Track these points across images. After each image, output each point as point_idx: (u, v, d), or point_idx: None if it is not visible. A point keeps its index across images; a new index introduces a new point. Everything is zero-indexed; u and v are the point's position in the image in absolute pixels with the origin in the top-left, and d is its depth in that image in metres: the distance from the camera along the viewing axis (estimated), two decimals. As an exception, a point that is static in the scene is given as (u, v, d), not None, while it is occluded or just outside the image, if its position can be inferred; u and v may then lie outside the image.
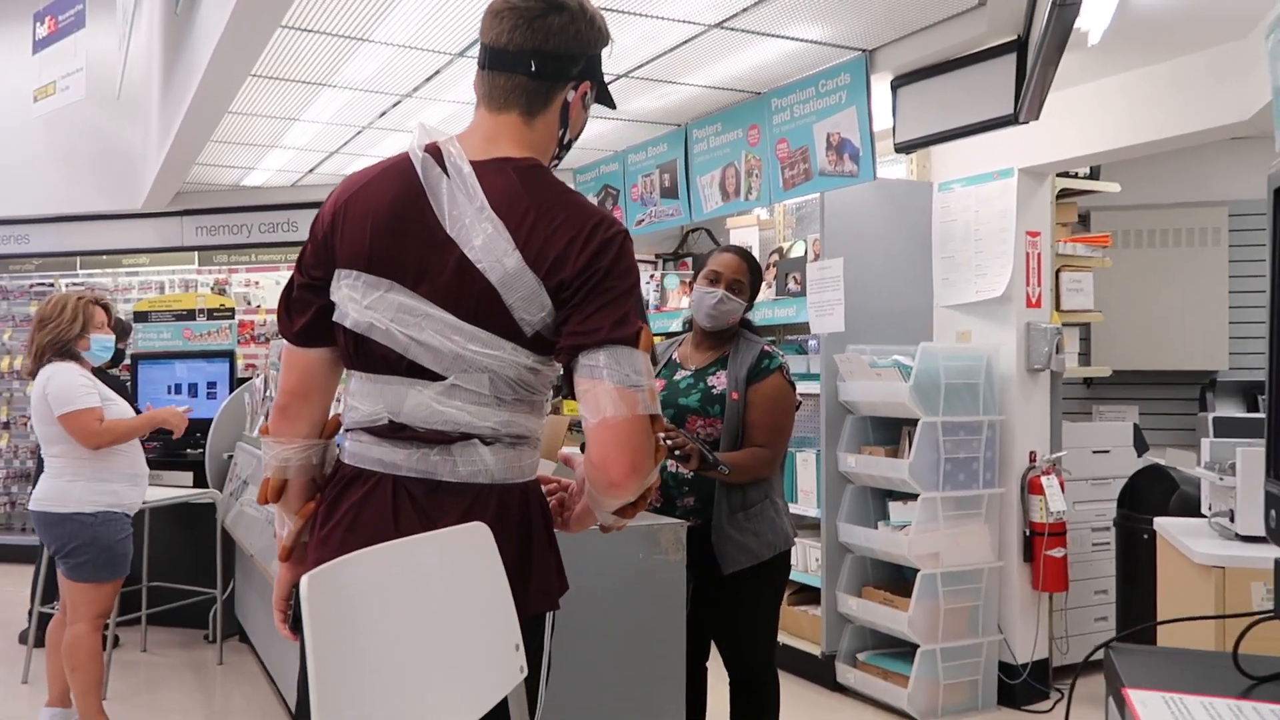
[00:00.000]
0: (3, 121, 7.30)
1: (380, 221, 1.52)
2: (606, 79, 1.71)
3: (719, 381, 2.81)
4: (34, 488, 3.73)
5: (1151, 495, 3.90)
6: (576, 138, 1.68)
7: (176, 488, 5.08)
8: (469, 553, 1.47)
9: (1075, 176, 4.46)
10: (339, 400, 1.67)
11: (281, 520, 1.67)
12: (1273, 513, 1.25)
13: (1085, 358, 5.21)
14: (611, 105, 1.76)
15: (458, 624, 1.41)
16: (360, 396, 1.57)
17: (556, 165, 1.67)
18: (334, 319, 1.56)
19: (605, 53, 1.66)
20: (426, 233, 1.51)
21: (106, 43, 6.24)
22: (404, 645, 1.31)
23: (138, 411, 3.98)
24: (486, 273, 1.48)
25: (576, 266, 1.48)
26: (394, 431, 1.54)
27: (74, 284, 7.63)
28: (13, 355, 7.63)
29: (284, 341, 1.65)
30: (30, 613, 4.76)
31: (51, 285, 7.66)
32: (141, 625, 4.99)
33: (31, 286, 7.72)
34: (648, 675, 2.52)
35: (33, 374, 3.70)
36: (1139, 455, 4.54)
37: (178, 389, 5.61)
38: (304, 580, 1.14)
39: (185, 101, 4.50)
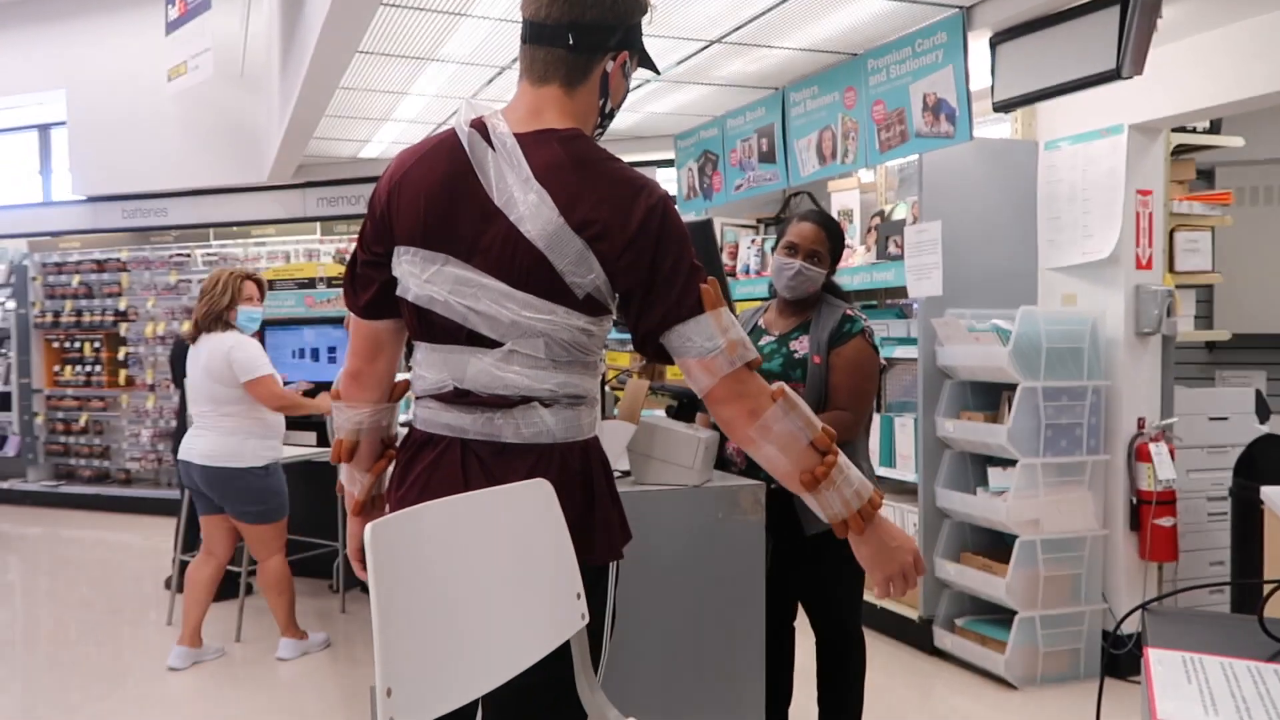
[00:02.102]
0: (142, 101, 7.76)
1: (432, 198, 1.61)
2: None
3: (801, 346, 2.84)
4: (179, 444, 4.22)
5: (1270, 464, 3.77)
6: (619, 107, 1.73)
7: (301, 446, 5.40)
8: (531, 506, 1.57)
9: (1194, 131, 4.27)
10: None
11: (352, 477, 1.82)
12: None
13: (1206, 320, 5.00)
14: (655, 70, 1.81)
15: (520, 572, 1.53)
16: (426, 365, 1.68)
17: (600, 134, 1.73)
18: (397, 293, 1.66)
19: (645, 20, 1.71)
20: (476, 205, 1.59)
21: (230, 23, 6.57)
22: (466, 591, 1.42)
23: None
24: (534, 240, 1.56)
25: (624, 238, 1.55)
26: (459, 397, 1.64)
27: (208, 254, 8.11)
28: (156, 322, 8.17)
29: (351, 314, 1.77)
30: (174, 560, 5.17)
31: (188, 256, 8.16)
32: (271, 575, 5.35)
33: (171, 257, 8.23)
34: (727, 635, 2.60)
35: (193, 339, 4.19)
36: (1261, 422, 4.36)
37: (301, 354, 5.94)
38: (368, 529, 1.26)
39: (300, 78, 4.73)
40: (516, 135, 1.60)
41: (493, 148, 1.60)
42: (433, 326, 1.64)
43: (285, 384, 5.33)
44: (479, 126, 1.62)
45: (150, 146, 7.83)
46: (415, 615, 1.31)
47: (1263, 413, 4.42)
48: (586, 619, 1.60)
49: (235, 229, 8.06)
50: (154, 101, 7.60)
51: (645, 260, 1.56)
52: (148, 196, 8.11)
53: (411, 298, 1.64)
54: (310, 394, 4.90)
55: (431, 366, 1.67)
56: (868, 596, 4.39)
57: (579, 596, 1.59)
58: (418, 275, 1.62)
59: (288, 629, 4.35)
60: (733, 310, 3.00)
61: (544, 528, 1.57)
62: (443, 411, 1.67)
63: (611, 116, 1.74)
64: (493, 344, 1.61)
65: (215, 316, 4.12)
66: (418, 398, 1.72)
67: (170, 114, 7.66)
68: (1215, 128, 4.37)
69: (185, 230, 8.19)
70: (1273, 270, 5.15)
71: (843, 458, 1.62)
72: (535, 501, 1.57)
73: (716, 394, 1.58)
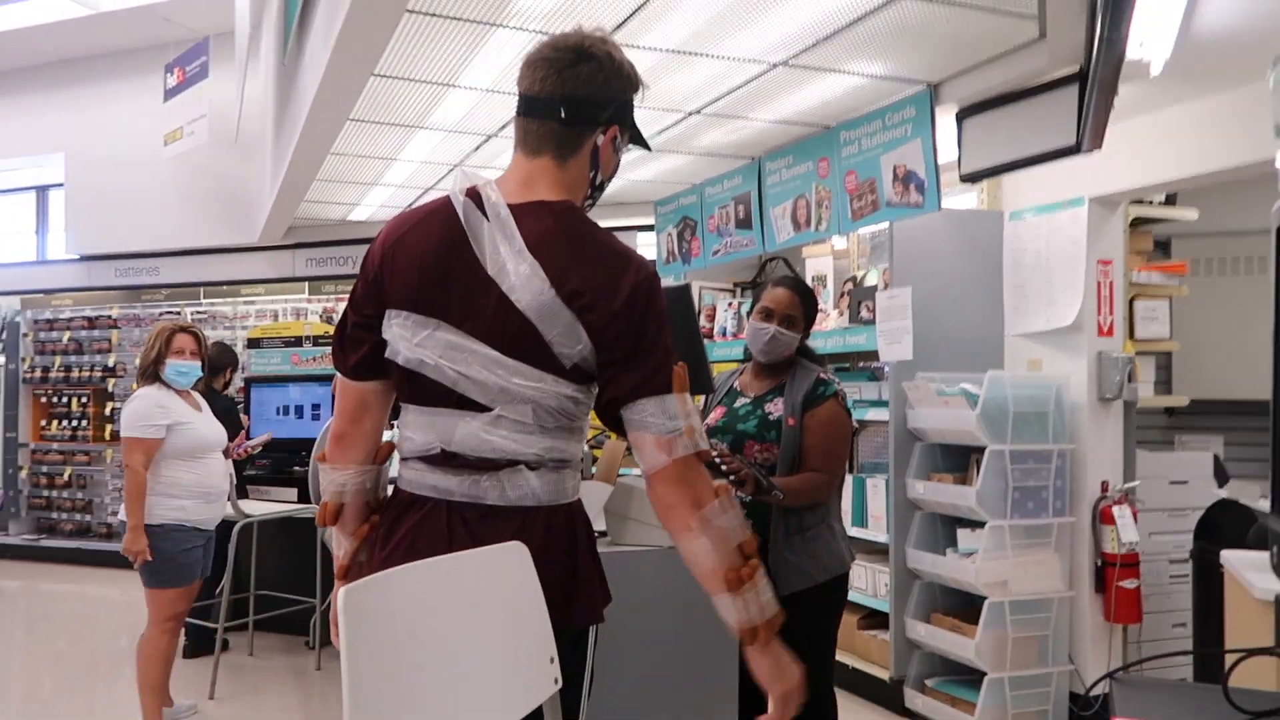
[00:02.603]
0: (138, 164, 7.78)
1: (426, 264, 1.60)
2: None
3: (776, 408, 2.84)
4: None
5: (1229, 528, 3.75)
6: (609, 179, 1.74)
7: (282, 503, 5.32)
8: (507, 570, 1.53)
9: (1151, 204, 4.34)
10: (391, 427, 1.77)
11: (338, 541, 1.76)
12: (1276, 548, 1.24)
13: (1165, 386, 5.03)
14: (647, 148, 1.82)
15: (493, 637, 1.48)
16: (414, 427, 1.65)
17: (591, 206, 1.74)
18: (386, 356, 1.64)
19: (637, 99, 1.72)
20: (469, 273, 1.58)
21: (225, 91, 6.61)
22: (439, 656, 1.38)
23: (234, 427, 4.19)
24: (525, 310, 1.55)
25: (611, 310, 1.54)
26: (446, 460, 1.62)
27: (198, 312, 8.06)
28: (144, 378, 8.08)
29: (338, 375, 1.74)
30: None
31: (178, 314, 8.10)
32: (249, 630, 5.23)
33: (161, 315, 8.16)
34: (702, 694, 2.55)
35: None
36: (1220, 486, 4.36)
37: (286, 410, 5.88)
38: (341, 593, 1.22)
39: (292, 144, 4.75)
40: (510, 206, 1.60)
41: (487, 217, 1.59)
42: (422, 389, 1.62)
43: (249, 437, 5.23)
44: (473, 195, 1.62)
45: (144, 208, 7.83)
46: (387, 680, 1.27)
47: (1221, 477, 4.43)
48: (559, 683, 1.56)
49: (225, 288, 8.02)
50: (149, 165, 7.62)
51: (629, 333, 1.55)
52: (140, 256, 8.08)
53: (402, 360, 1.62)
54: (268, 446, 4.63)
55: (419, 429, 1.65)
56: (838, 655, 4.33)
57: (552, 660, 1.54)
58: (409, 339, 1.61)
59: (145, 712, 3.81)
60: (710, 372, 3.02)
61: (519, 591, 1.53)
62: (429, 473, 1.64)
63: (602, 189, 1.74)
64: (481, 408, 1.59)
65: (143, 370, 3.90)
66: (404, 459, 1.69)
67: (165, 177, 7.67)
68: (1171, 200, 4.44)
69: (176, 289, 8.15)
70: (1227, 338, 5.20)
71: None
72: (511, 565, 1.53)
73: (666, 474, 1.55)
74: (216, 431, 3.99)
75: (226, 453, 4.13)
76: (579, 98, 1.63)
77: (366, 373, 1.69)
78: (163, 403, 3.81)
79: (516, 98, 1.69)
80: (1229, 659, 1.17)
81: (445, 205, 1.64)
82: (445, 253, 1.60)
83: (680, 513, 1.55)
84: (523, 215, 1.59)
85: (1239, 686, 1.19)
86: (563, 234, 1.59)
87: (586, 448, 3.36)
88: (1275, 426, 1.24)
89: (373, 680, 1.24)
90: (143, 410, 3.78)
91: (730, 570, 1.55)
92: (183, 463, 3.80)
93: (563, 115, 1.63)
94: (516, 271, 1.56)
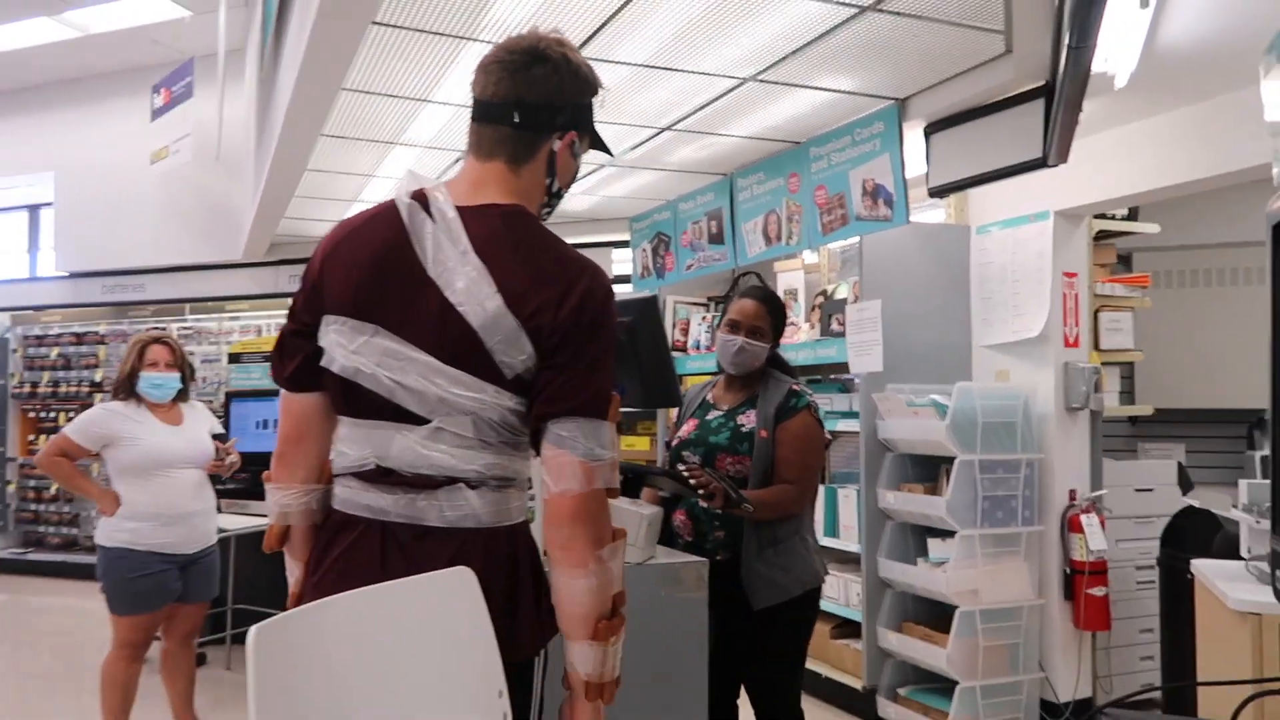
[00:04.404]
0: (125, 183, 7.58)
1: (365, 267, 1.45)
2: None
3: (748, 420, 2.69)
4: None
5: (1195, 535, 3.63)
6: (567, 187, 1.59)
7: (259, 516, 5.12)
8: (451, 598, 1.37)
9: (1114, 218, 4.23)
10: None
11: (290, 567, 1.60)
12: (1276, 572, 1.09)
13: (1129, 396, 4.92)
14: (608, 152, 1.67)
15: (437, 671, 1.32)
16: (348, 441, 1.49)
17: (548, 214, 1.59)
18: (321, 363, 1.49)
19: (596, 102, 1.57)
20: (410, 276, 1.43)
21: (209, 109, 6.44)
22: (374, 696, 1.21)
23: (221, 438, 3.88)
24: (468, 316, 1.40)
25: (559, 318, 1.39)
26: (382, 476, 1.46)
27: (183, 328, 7.85)
28: (131, 392, 7.85)
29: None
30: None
31: (164, 329, 7.88)
32: (226, 645, 5.02)
33: (148, 330, 7.93)
34: (670, 715, 2.38)
35: None
36: (1184, 494, 4.24)
37: (265, 424, 5.68)
38: (251, 632, 1.05)
39: (269, 160, 4.58)
40: (458, 208, 1.45)
41: (432, 219, 1.44)
42: (358, 400, 1.46)
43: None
44: (420, 198, 1.47)
45: (131, 225, 7.62)
46: (308, 726, 1.10)
47: (1185, 484, 4.31)
48: (509, 719, 1.39)
49: (210, 304, 7.82)
50: (136, 183, 7.42)
51: (575, 342, 1.40)
52: (127, 273, 7.87)
53: (337, 368, 1.46)
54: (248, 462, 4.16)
55: (354, 442, 1.49)
56: (811, 665, 4.19)
57: (501, 694, 1.38)
58: (345, 346, 1.45)
59: None
60: (677, 386, 2.86)
61: (465, 621, 1.36)
62: (363, 491, 1.48)
63: (559, 196, 1.59)
64: (419, 420, 1.43)
65: (117, 386, 3.54)
66: (337, 475, 1.53)
67: (151, 194, 7.47)
68: (1133, 215, 4.34)
69: (162, 305, 7.94)
70: (1188, 349, 5.11)
71: None
72: (455, 592, 1.36)
73: (580, 504, 1.39)
74: (186, 448, 3.55)
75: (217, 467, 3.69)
76: (533, 102, 1.48)
77: (305, 383, 1.53)
78: (102, 420, 3.49)
79: (472, 103, 1.53)
80: (1232, 693, 1.02)
81: (389, 208, 1.49)
82: (384, 254, 1.45)
83: (580, 549, 1.39)
84: (470, 218, 1.44)
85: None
86: (512, 237, 1.43)
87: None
88: (1275, 446, 1.09)
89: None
90: (87, 416, 3.52)
91: (603, 618, 1.42)
92: (136, 481, 3.46)
93: (516, 119, 1.48)
94: (461, 275, 1.41)
